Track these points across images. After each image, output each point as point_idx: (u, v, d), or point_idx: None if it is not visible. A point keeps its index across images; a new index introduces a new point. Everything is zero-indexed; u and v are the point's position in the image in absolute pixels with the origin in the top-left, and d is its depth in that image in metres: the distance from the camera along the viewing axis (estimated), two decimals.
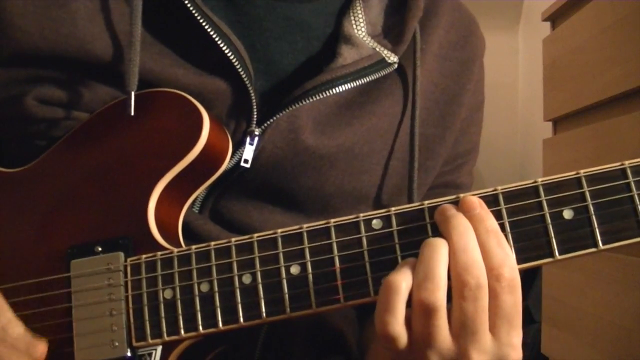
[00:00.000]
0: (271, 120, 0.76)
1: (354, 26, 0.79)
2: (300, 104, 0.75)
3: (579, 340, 1.59)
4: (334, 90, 0.76)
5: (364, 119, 0.80)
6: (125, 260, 0.69)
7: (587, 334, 1.55)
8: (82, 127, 0.73)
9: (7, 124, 0.76)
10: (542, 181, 0.61)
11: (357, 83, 0.77)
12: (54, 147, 0.74)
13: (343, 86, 0.76)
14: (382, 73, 0.79)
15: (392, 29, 0.81)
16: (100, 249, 0.69)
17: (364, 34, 0.79)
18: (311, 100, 0.76)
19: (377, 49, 0.79)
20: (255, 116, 0.76)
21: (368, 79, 0.78)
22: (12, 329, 0.68)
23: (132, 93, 0.70)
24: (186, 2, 0.72)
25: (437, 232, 0.62)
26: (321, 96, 0.76)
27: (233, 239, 0.66)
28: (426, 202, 0.63)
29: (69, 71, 0.73)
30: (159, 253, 0.68)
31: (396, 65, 0.80)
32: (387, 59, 0.79)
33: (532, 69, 2.76)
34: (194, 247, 0.67)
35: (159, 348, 0.67)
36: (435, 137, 0.85)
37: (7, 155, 0.77)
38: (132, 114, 0.70)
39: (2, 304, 0.69)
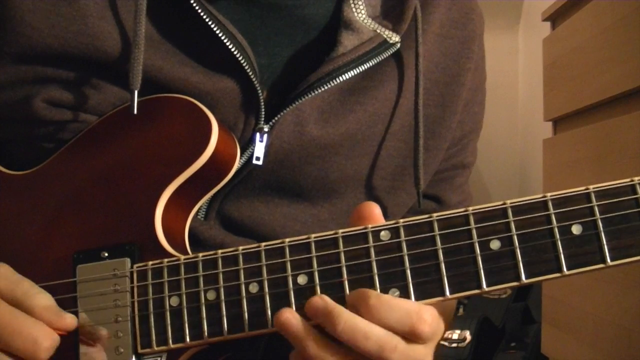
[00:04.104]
0: (278, 116, 0.76)
1: (354, 10, 0.79)
2: (305, 97, 0.76)
3: (579, 340, 1.60)
4: (337, 80, 0.76)
5: (367, 104, 0.80)
6: (132, 267, 0.69)
7: (587, 334, 1.55)
8: (90, 131, 0.74)
9: (14, 126, 0.76)
10: (551, 196, 0.61)
11: (361, 69, 0.77)
12: (61, 150, 0.74)
13: (346, 74, 0.76)
14: (385, 55, 0.78)
15: (392, 9, 0.81)
16: (106, 254, 0.69)
17: (364, 16, 0.79)
18: (315, 92, 0.76)
19: (379, 31, 0.79)
20: (263, 113, 0.76)
21: (371, 63, 0.78)
22: (40, 299, 0.66)
23: (135, 92, 0.70)
24: (194, 3, 0.72)
25: (446, 243, 0.62)
26: (325, 87, 0.76)
27: (240, 247, 0.66)
28: (435, 214, 0.63)
29: (77, 71, 0.73)
30: (166, 260, 0.68)
31: (398, 45, 0.79)
32: (388, 39, 0.78)
33: (532, 69, 2.76)
34: (201, 254, 0.67)
35: (164, 355, 0.67)
36: (436, 117, 0.85)
37: (13, 157, 0.77)
38: (135, 112, 0.70)
39: (24, 278, 0.68)
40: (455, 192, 0.94)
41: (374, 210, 0.65)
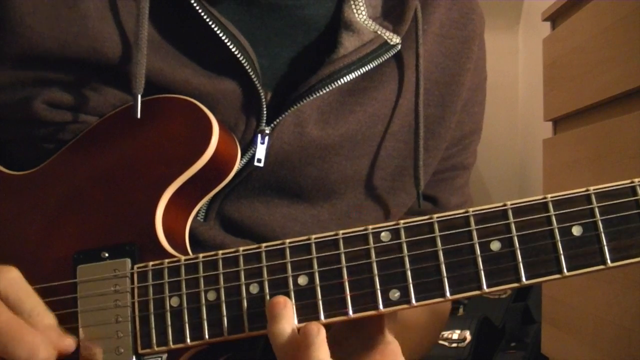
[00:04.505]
0: (280, 118, 0.76)
1: (354, 10, 0.79)
2: (306, 99, 0.76)
3: (579, 340, 1.60)
4: (338, 82, 0.76)
5: (367, 105, 0.80)
6: (132, 267, 0.69)
7: (587, 334, 1.56)
8: (91, 132, 0.73)
9: (14, 127, 0.76)
10: (551, 197, 0.61)
11: (361, 71, 0.77)
12: (61, 150, 0.74)
13: (347, 77, 0.76)
14: (386, 57, 0.78)
15: (392, 10, 0.81)
16: (107, 254, 0.69)
17: (364, 17, 0.79)
18: (316, 95, 0.76)
19: (379, 32, 0.78)
20: (264, 115, 0.76)
21: (372, 65, 0.77)
22: (45, 318, 0.66)
23: (139, 96, 0.70)
24: (195, 4, 0.72)
25: (447, 244, 0.62)
26: (326, 90, 0.76)
27: (241, 248, 0.66)
28: (435, 215, 0.63)
29: (78, 73, 0.73)
30: (166, 260, 0.68)
31: (399, 47, 0.79)
32: (389, 41, 0.78)
33: (532, 69, 2.76)
34: (201, 255, 0.67)
35: (165, 356, 0.67)
36: (435, 117, 0.85)
37: (13, 157, 0.77)
38: (139, 116, 0.70)
39: (33, 292, 0.68)
40: (454, 194, 0.94)
41: None
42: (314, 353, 0.60)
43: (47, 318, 0.66)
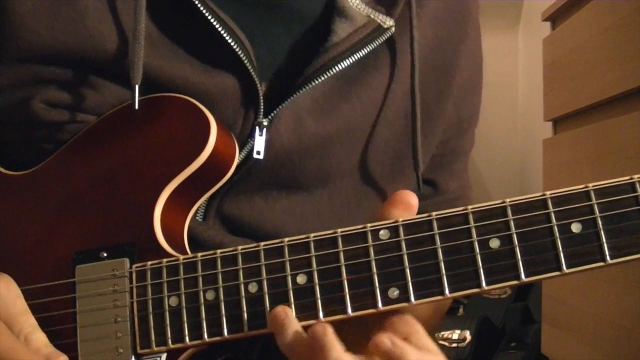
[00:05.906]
0: (276, 110, 0.76)
1: None
2: (302, 90, 0.76)
3: (579, 340, 1.60)
4: (333, 70, 0.76)
5: (361, 93, 0.80)
6: (131, 267, 0.68)
7: (587, 334, 1.56)
8: (89, 132, 0.73)
9: (13, 128, 0.76)
10: (550, 194, 0.61)
11: (355, 57, 0.77)
12: (60, 150, 0.74)
13: (341, 64, 0.76)
14: (380, 40, 0.78)
15: None
16: (105, 254, 0.69)
17: (357, 1, 0.79)
18: (312, 85, 0.76)
19: (372, 16, 0.78)
20: (262, 107, 0.76)
21: (366, 51, 0.77)
22: (36, 337, 0.66)
23: (137, 87, 0.70)
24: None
25: (446, 242, 0.62)
26: (321, 79, 0.76)
27: (240, 247, 0.66)
28: (434, 213, 0.63)
29: (76, 70, 0.73)
30: (165, 260, 0.68)
31: (393, 29, 0.79)
32: (382, 24, 0.78)
33: (532, 69, 2.76)
34: (200, 254, 0.67)
35: (164, 356, 0.67)
36: (431, 101, 0.85)
37: (12, 158, 0.77)
38: (137, 107, 0.70)
39: (26, 308, 0.67)
40: (453, 178, 0.94)
41: (411, 200, 0.66)
42: (328, 354, 0.60)
43: (36, 341, 0.65)
